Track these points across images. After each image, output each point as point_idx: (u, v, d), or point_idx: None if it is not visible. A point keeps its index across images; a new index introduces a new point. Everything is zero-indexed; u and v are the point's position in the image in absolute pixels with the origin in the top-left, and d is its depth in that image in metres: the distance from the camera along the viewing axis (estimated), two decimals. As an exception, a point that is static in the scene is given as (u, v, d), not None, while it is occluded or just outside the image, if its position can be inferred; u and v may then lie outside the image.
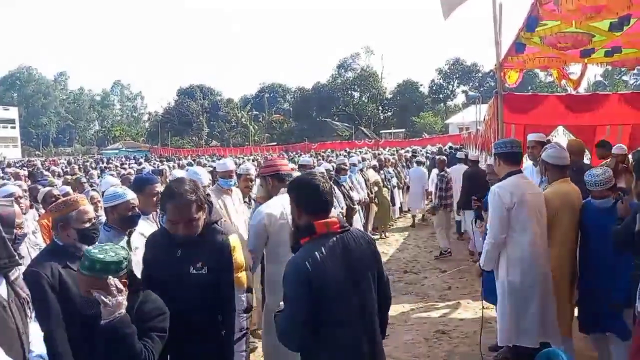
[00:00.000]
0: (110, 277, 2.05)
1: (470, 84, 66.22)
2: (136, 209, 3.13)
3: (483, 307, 4.30)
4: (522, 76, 6.69)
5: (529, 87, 48.68)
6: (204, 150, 43.85)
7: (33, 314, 2.33)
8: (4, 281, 2.21)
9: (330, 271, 2.11)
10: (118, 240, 2.97)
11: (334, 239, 2.18)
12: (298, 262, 2.12)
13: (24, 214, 4.18)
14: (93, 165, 20.31)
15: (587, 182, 3.59)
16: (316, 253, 2.12)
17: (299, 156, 20.24)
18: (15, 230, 2.20)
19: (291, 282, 2.12)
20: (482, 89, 54.91)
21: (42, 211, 5.18)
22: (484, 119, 10.80)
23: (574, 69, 7.86)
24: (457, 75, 66.76)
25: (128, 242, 3.09)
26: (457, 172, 8.46)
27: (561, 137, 8.52)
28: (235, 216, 4.56)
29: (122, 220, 3.06)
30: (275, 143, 51.38)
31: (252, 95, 73.14)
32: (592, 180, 3.54)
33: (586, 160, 6.14)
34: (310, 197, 2.25)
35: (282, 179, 3.31)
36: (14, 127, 63.51)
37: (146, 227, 3.33)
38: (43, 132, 72.97)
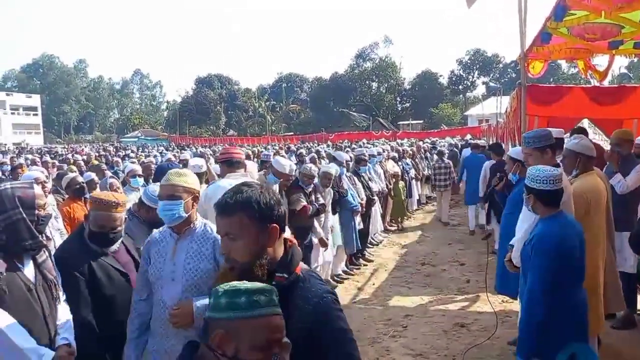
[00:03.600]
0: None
1: (491, 75, 65.22)
2: None
3: (488, 297, 4.27)
4: (546, 67, 6.58)
5: (551, 79, 47.70)
6: (222, 139, 44.09)
7: (63, 297, 2.39)
8: (31, 263, 2.25)
9: None
10: (139, 231, 3.01)
11: None
12: None
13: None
14: (113, 152, 20.56)
15: None
16: None
17: (317, 146, 20.20)
18: (36, 212, 2.18)
19: None
20: (503, 81, 54.05)
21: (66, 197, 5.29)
22: (506, 111, 10.65)
23: (600, 61, 7.68)
24: (478, 66, 65.76)
25: (148, 234, 3.06)
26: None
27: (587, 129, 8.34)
28: None
29: (154, 221, 3.00)
30: (292, 133, 51.38)
31: (270, 85, 73.14)
32: None
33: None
34: None
35: (231, 165, 3.73)
36: (36, 115, 64.75)
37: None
38: (64, 120, 74.23)
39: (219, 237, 1.64)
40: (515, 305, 4.99)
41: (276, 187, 5.04)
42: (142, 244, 2.95)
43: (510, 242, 3.47)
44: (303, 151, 14.13)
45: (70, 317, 2.40)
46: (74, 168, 8.77)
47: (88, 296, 2.52)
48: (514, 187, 4.51)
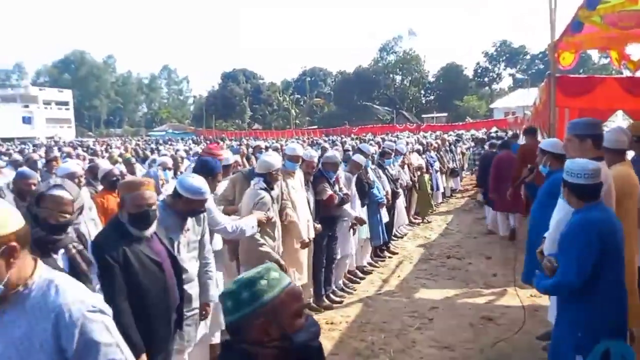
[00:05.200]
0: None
1: (518, 66, 63.82)
2: (205, 206, 3.16)
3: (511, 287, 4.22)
4: (577, 58, 6.41)
5: (581, 70, 46.31)
6: (247, 132, 44.44)
7: (97, 287, 2.47)
8: (62, 253, 2.36)
9: None
10: (172, 221, 3.05)
11: None
12: None
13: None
14: (143, 146, 20.93)
15: None
16: None
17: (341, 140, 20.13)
18: (66, 214, 2.30)
19: None
20: (530, 72, 52.82)
21: (99, 188, 5.45)
22: (534, 103, 10.43)
23: (633, 50, 7.45)
24: (504, 58, 64.44)
25: (181, 225, 3.12)
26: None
27: (620, 121, 8.12)
28: (296, 196, 4.87)
29: (188, 211, 3.07)
30: (315, 126, 51.44)
31: (294, 79, 73.35)
32: None
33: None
34: None
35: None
36: (68, 109, 66.44)
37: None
38: (95, 114, 75.99)
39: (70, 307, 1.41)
40: (544, 300, 4.92)
41: (300, 175, 5.12)
42: (175, 234, 3.05)
43: (544, 235, 3.43)
44: (326, 145, 14.14)
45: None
46: (119, 159, 8.86)
47: (123, 284, 2.55)
48: (545, 179, 4.44)
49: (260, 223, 3.87)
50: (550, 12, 5.11)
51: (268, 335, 1.29)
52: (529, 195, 5.42)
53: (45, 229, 2.27)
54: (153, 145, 21.60)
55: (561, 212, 3.19)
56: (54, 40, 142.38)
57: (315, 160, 5.48)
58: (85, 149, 17.58)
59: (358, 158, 6.29)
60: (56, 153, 11.87)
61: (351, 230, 5.99)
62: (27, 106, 59.77)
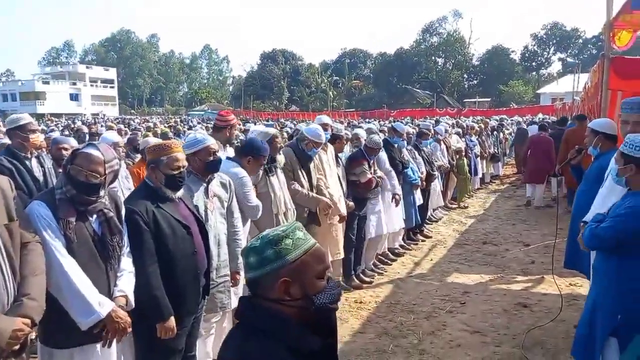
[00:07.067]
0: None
1: (569, 51, 60.99)
2: (217, 154, 3.14)
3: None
4: (634, 38, 6.01)
5: (636, 53, 43.71)
6: (284, 114, 44.58)
7: (126, 250, 2.50)
8: (96, 216, 2.38)
9: None
10: (197, 187, 3.06)
11: None
12: None
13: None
14: (180, 125, 21.41)
15: None
16: None
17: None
18: (97, 174, 2.30)
19: None
20: (582, 57, 50.30)
21: (137, 160, 5.57)
22: (584, 87, 9.92)
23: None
24: (555, 42, 61.68)
25: (206, 190, 3.13)
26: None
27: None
28: (329, 171, 4.90)
29: (204, 166, 3.07)
30: (353, 109, 51.02)
31: (333, 60, 72.70)
32: None
33: None
34: None
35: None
36: (112, 87, 68.45)
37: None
38: (138, 93, 77.94)
39: None
40: (584, 289, 4.73)
41: (332, 150, 5.11)
42: (201, 200, 3.06)
43: (584, 219, 3.26)
44: (371, 126, 13.92)
45: (133, 270, 2.49)
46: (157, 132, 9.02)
47: (153, 248, 2.57)
48: (593, 162, 4.20)
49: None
50: (608, -13, 4.81)
51: (289, 294, 1.27)
52: (575, 178, 5.16)
53: (76, 187, 2.30)
54: (191, 123, 22.01)
55: (612, 196, 2.99)
56: (102, 20, 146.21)
57: (345, 136, 5.49)
58: (126, 125, 18.10)
59: (371, 141, 5.60)
60: (99, 127, 12.35)
61: (393, 202, 5.99)
62: (74, 83, 61.96)
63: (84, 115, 45.84)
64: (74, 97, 60.61)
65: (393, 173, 6.07)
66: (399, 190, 6.12)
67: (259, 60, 69.96)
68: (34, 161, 3.86)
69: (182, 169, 2.67)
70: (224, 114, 4.48)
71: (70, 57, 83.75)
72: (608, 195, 3.10)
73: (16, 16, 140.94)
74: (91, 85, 64.41)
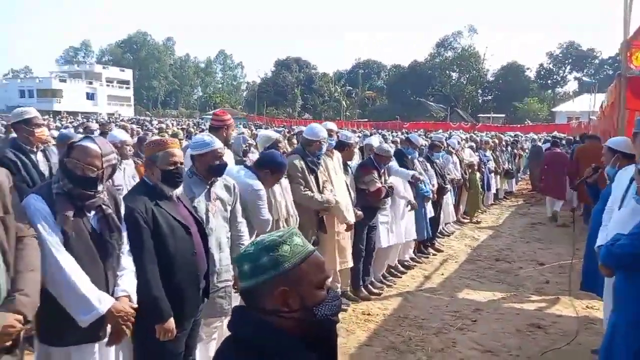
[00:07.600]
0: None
1: (585, 70, 60.56)
2: (223, 158, 3.05)
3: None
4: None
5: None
6: (297, 121, 44.62)
7: (127, 248, 2.41)
8: (94, 215, 2.29)
9: None
10: (199, 189, 2.98)
11: None
12: None
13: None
14: (193, 128, 21.51)
15: None
16: None
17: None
18: (94, 168, 2.21)
19: None
20: (598, 77, 49.91)
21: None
22: (601, 106, 9.74)
23: None
24: (570, 61, 61.33)
25: (209, 192, 3.03)
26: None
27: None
28: (335, 177, 4.74)
29: (208, 169, 2.99)
30: (366, 119, 50.94)
31: (347, 70, 72.87)
32: None
33: None
34: None
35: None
36: (128, 88, 69.09)
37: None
38: (153, 94, 78.65)
39: None
40: (601, 312, 4.53)
41: (339, 157, 4.95)
42: (202, 203, 2.96)
43: (598, 242, 3.10)
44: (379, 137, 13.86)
45: (134, 269, 2.41)
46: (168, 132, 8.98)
47: (152, 247, 2.49)
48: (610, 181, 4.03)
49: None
50: (625, 8, 4.75)
51: (287, 305, 1.15)
52: (591, 197, 4.99)
53: (72, 181, 2.20)
54: (203, 127, 22.09)
55: (636, 215, 2.82)
56: (119, 21, 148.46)
57: (353, 142, 5.34)
58: (140, 126, 18.16)
59: (381, 149, 5.51)
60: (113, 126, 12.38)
61: (407, 209, 5.89)
62: (91, 83, 62.61)
63: (100, 114, 46.26)
64: (90, 96, 61.23)
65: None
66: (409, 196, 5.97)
67: (273, 67, 70.39)
68: (39, 155, 3.82)
69: (178, 165, 2.60)
70: (219, 114, 4.27)
71: (87, 56, 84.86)
72: (633, 216, 2.93)
73: (36, 14, 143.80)
74: (107, 85, 65.06)
